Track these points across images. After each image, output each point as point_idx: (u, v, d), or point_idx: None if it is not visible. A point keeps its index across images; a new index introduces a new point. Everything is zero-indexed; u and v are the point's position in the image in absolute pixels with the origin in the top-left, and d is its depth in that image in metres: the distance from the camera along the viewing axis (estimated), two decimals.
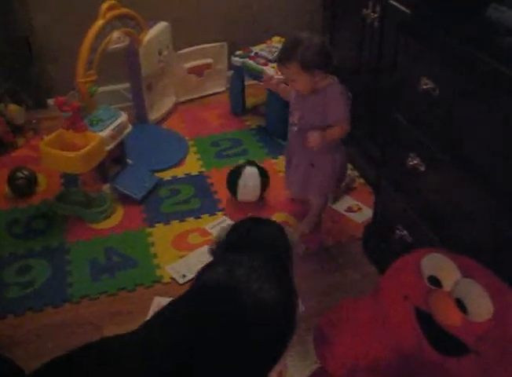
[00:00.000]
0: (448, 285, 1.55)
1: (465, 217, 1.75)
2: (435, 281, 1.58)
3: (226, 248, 1.73)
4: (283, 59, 2.15)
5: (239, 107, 3.38)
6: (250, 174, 2.64)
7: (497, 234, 1.63)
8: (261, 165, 2.74)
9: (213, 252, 1.84)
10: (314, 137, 2.19)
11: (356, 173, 2.89)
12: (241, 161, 2.72)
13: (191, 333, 1.42)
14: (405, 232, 2.06)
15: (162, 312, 1.55)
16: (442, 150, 1.78)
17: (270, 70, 3.00)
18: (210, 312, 1.45)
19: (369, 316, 1.69)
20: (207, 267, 1.65)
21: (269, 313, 1.46)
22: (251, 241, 1.69)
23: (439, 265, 1.58)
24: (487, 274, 1.57)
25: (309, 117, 2.25)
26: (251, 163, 2.68)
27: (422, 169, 1.86)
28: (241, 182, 2.63)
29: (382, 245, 2.29)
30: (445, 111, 1.72)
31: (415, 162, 1.88)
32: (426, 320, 1.58)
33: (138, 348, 1.41)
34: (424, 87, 1.75)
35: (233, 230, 1.79)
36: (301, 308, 2.01)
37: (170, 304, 1.59)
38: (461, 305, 1.52)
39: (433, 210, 1.90)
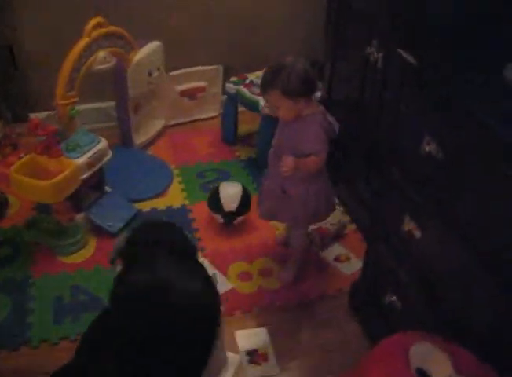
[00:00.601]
0: None
1: (462, 292, 1.58)
2: (423, 373, 1.41)
3: (133, 255, 1.61)
4: (265, 86, 2.05)
5: (230, 136, 3.22)
6: (228, 184, 2.67)
7: (495, 314, 1.46)
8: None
9: (112, 261, 1.71)
10: (288, 162, 2.07)
11: (347, 217, 2.71)
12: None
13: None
14: (395, 297, 1.89)
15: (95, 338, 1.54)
16: (440, 217, 1.61)
17: (264, 101, 2.83)
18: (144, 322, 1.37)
19: None
20: (123, 276, 1.52)
21: (198, 303, 1.43)
22: (155, 243, 1.61)
23: (429, 357, 1.41)
24: (482, 371, 1.39)
25: (285, 142, 2.15)
26: None
27: (418, 236, 1.69)
28: (222, 193, 2.59)
29: (369, 306, 2.11)
30: (447, 175, 1.55)
31: (411, 227, 1.71)
32: None
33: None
34: (426, 148, 1.58)
35: (133, 236, 1.68)
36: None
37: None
38: None
39: (427, 280, 1.73)
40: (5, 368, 2.00)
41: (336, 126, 2.13)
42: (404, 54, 1.87)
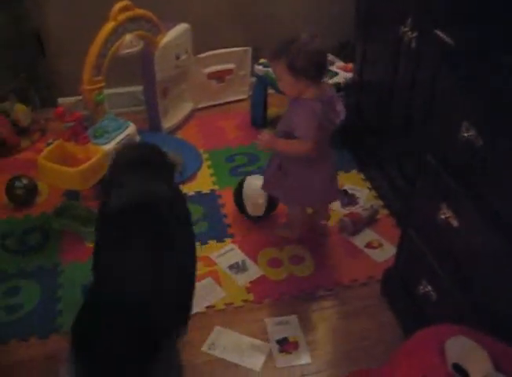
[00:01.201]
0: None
1: (499, 285, 1.52)
2: (460, 369, 1.35)
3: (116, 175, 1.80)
4: (272, 54, 2.03)
5: (259, 119, 3.16)
6: (253, 181, 2.50)
7: None
8: None
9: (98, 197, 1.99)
10: (263, 135, 2.15)
11: (380, 202, 2.65)
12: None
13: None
14: (430, 288, 1.83)
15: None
16: (478, 206, 1.54)
17: None
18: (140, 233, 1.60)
19: None
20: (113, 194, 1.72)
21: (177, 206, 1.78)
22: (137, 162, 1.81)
23: (467, 352, 1.35)
24: None
25: (282, 121, 2.19)
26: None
27: (455, 224, 1.62)
28: (245, 196, 2.49)
29: (402, 295, 2.06)
30: (486, 162, 1.48)
31: (448, 215, 1.64)
32: None
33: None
34: (465, 134, 1.50)
35: (117, 158, 1.86)
36: None
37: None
38: None
39: (464, 272, 1.66)
40: (35, 355, 2.01)
41: (342, 114, 2.12)
42: (441, 34, 1.79)
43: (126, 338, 1.34)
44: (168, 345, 1.42)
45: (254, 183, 2.46)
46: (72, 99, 3.08)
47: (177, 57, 2.95)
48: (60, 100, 3.23)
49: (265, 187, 2.37)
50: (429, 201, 1.77)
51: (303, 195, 2.26)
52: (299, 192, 2.25)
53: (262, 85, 3.06)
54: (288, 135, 2.11)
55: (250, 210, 2.49)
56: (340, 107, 2.12)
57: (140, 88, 3.12)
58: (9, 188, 2.60)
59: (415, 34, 2.17)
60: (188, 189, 2.74)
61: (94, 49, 2.42)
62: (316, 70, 2.00)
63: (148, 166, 1.80)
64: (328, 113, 2.08)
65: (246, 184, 2.50)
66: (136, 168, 1.78)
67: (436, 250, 1.79)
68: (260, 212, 2.49)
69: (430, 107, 1.80)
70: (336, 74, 2.90)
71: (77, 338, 1.39)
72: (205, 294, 2.20)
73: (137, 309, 1.38)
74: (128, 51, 2.61)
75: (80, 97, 2.63)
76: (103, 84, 2.49)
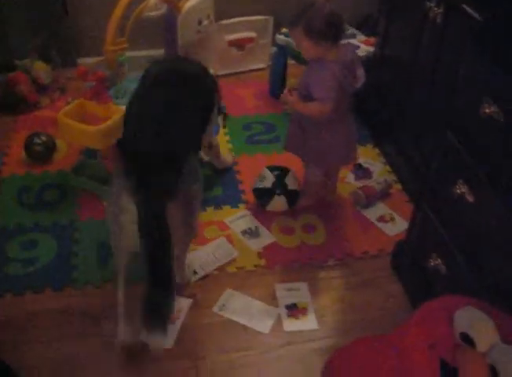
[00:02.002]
0: (482, 346, 1.36)
1: (510, 262, 1.54)
2: (467, 339, 1.39)
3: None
4: (292, 22, 2.10)
5: (277, 89, 3.15)
6: (278, 203, 2.45)
7: None
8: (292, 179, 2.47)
9: None
10: (286, 98, 2.19)
11: (394, 177, 2.67)
12: (267, 175, 2.46)
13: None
14: (440, 261, 1.86)
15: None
16: (494, 182, 1.56)
17: None
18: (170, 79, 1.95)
19: (387, 361, 1.51)
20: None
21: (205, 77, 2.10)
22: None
23: (475, 323, 1.38)
24: None
25: (301, 83, 2.21)
26: (280, 186, 2.42)
27: (471, 200, 1.64)
28: (269, 208, 2.47)
29: (413, 268, 2.09)
30: (507, 139, 1.50)
31: (463, 190, 1.66)
32: (450, 374, 1.41)
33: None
34: (486, 111, 1.52)
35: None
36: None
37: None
38: (494, 372, 1.32)
39: (475, 247, 1.69)
40: (50, 307, 2.06)
41: (362, 79, 2.16)
42: (468, 9, 1.79)
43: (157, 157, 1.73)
44: (187, 165, 1.79)
45: (280, 201, 2.45)
46: (92, 59, 3.08)
47: (200, 22, 2.94)
48: (80, 60, 3.24)
49: (287, 147, 2.41)
50: (445, 176, 1.79)
51: (322, 156, 2.30)
52: (319, 153, 2.29)
53: (283, 55, 3.06)
54: (306, 97, 2.14)
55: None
56: (360, 71, 2.15)
57: (161, 51, 3.12)
58: (28, 145, 2.63)
59: (440, 10, 2.16)
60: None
61: (118, 10, 2.41)
62: (333, 31, 2.04)
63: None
64: (347, 76, 2.11)
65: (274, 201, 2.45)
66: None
67: (449, 224, 1.81)
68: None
69: (452, 84, 1.80)
70: (358, 47, 2.90)
71: (126, 156, 1.77)
72: (217, 254, 2.25)
73: (162, 142, 1.76)
74: (151, 14, 2.61)
75: (100, 58, 2.64)
76: (125, 45, 2.49)
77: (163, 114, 1.80)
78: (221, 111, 2.47)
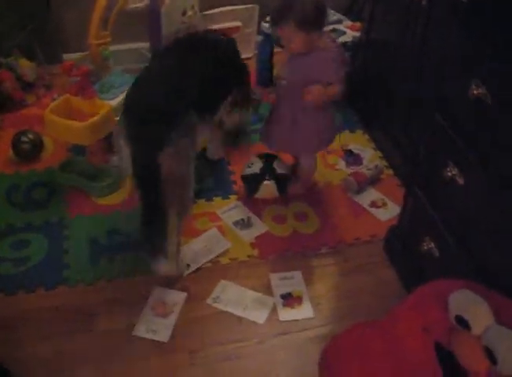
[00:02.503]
0: (477, 329, 1.36)
1: (502, 243, 1.54)
2: (462, 321, 1.38)
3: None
4: (278, 19, 2.04)
5: (265, 78, 3.14)
6: (267, 189, 2.42)
7: None
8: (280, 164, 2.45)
9: None
10: (315, 90, 2.08)
11: (385, 163, 2.66)
12: (256, 161, 2.43)
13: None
14: (433, 245, 1.85)
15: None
16: (484, 164, 1.55)
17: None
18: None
19: (380, 346, 1.52)
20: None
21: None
22: None
23: (469, 305, 1.38)
24: None
25: (297, 74, 2.15)
26: (268, 171, 2.40)
27: (461, 182, 1.63)
28: (258, 194, 2.44)
29: (405, 252, 2.08)
30: (495, 122, 1.49)
31: (454, 173, 1.65)
32: (445, 357, 1.41)
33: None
34: (474, 92, 1.50)
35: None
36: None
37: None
38: (489, 353, 1.32)
39: (467, 229, 1.68)
40: (43, 306, 2.04)
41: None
42: None
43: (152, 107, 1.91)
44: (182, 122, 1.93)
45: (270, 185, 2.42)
46: (77, 55, 3.05)
47: (184, 13, 2.92)
48: (65, 55, 3.20)
49: (278, 147, 2.40)
50: (435, 159, 1.78)
51: (322, 138, 2.32)
52: (318, 137, 2.30)
53: (269, 43, 3.03)
54: (305, 85, 2.11)
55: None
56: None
57: (145, 44, 3.10)
58: (15, 143, 2.60)
59: None
60: None
61: (101, 2, 2.39)
62: (323, 17, 2.04)
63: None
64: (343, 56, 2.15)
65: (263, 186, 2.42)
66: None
67: (440, 207, 1.81)
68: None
69: (440, 67, 1.79)
70: (344, 33, 2.89)
71: (125, 107, 1.99)
72: (210, 245, 2.23)
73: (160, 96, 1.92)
74: (135, 6, 2.58)
75: (84, 53, 2.62)
76: (109, 39, 2.48)
77: (166, 71, 2.00)
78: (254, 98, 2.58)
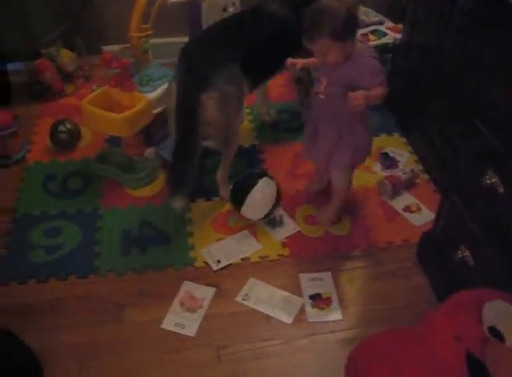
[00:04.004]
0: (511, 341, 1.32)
1: None
2: (496, 333, 1.35)
3: None
4: (311, 33, 1.95)
5: None
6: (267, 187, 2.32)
7: None
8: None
9: None
10: (358, 97, 1.96)
11: (421, 167, 2.62)
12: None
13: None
14: (468, 253, 1.82)
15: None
16: None
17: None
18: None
19: (412, 352, 1.49)
20: None
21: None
22: None
23: (504, 316, 1.35)
24: None
25: (337, 85, 2.05)
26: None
27: (501, 191, 1.60)
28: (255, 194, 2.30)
29: (438, 259, 2.05)
30: None
31: (493, 180, 1.62)
32: (476, 367, 1.38)
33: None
34: None
35: None
36: None
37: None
38: None
39: (505, 238, 1.64)
40: (73, 293, 2.07)
41: None
42: None
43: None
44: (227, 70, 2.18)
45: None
46: (116, 47, 3.08)
47: (225, 9, 2.92)
48: (105, 47, 3.23)
49: (318, 161, 2.31)
50: (474, 166, 1.75)
51: (364, 151, 2.23)
52: (362, 150, 2.21)
53: None
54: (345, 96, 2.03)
55: (246, 211, 2.33)
56: None
57: (184, 39, 3.10)
58: (53, 132, 2.64)
59: None
60: None
61: None
62: (356, 24, 1.99)
63: None
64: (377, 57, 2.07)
65: (259, 188, 2.30)
66: None
67: (478, 215, 1.77)
68: (254, 217, 2.34)
69: (481, 72, 1.75)
70: (385, 34, 2.85)
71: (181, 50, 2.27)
72: (241, 246, 2.23)
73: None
74: (176, 0, 2.59)
75: (124, 45, 2.63)
76: (150, 32, 2.48)
77: (222, 27, 2.29)
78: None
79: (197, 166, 2.20)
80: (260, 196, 2.27)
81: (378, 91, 2.00)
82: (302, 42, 2.06)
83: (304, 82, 2.82)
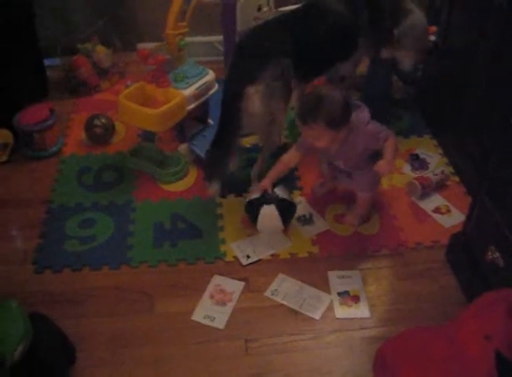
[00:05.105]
0: None
1: None
2: None
3: None
4: (307, 119, 2.03)
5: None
6: (266, 211, 2.26)
7: None
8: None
9: None
10: (384, 168, 2.11)
11: (451, 169, 2.62)
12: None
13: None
14: (498, 255, 1.82)
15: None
16: None
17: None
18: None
19: (441, 351, 1.51)
20: None
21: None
22: None
23: None
24: None
25: (345, 156, 2.21)
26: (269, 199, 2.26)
27: None
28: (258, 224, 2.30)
29: (468, 260, 2.05)
30: None
31: None
32: (505, 367, 1.39)
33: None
34: None
35: None
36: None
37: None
38: None
39: None
40: (107, 284, 2.12)
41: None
42: None
43: None
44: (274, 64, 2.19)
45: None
46: (151, 44, 3.12)
47: (259, 8, 2.94)
48: (139, 45, 3.28)
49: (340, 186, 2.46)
50: (507, 168, 1.75)
51: (373, 182, 2.31)
52: (374, 179, 2.29)
53: None
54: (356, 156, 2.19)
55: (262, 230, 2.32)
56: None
57: (219, 38, 3.14)
58: (88, 126, 2.69)
59: None
60: None
61: None
62: (350, 112, 2.06)
63: None
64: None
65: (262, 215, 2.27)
66: None
67: (509, 216, 1.77)
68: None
69: None
70: None
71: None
72: (271, 243, 2.26)
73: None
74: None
75: (159, 43, 2.67)
76: (186, 29, 2.52)
77: (276, 21, 2.30)
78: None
79: (233, 155, 2.30)
80: (266, 221, 2.27)
81: (390, 147, 2.12)
82: (359, 42, 2.28)
83: None
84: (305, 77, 2.44)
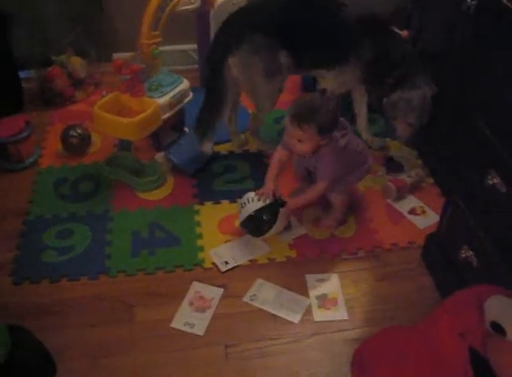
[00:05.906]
0: None
1: None
2: (498, 328, 1.39)
3: None
4: (301, 121, 2.07)
5: (311, 84, 3.16)
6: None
7: None
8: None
9: None
10: (290, 204, 2.27)
11: (426, 171, 2.65)
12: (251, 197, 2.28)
13: None
14: (471, 253, 1.85)
15: None
16: None
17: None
18: None
19: (416, 348, 1.53)
20: None
21: None
22: None
23: (505, 311, 1.38)
24: None
25: (309, 163, 2.32)
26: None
27: (503, 190, 1.64)
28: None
29: (442, 260, 2.08)
30: None
31: (495, 181, 1.66)
32: (479, 363, 1.41)
33: None
34: None
35: None
36: None
37: None
38: None
39: (508, 238, 1.68)
40: (85, 294, 2.11)
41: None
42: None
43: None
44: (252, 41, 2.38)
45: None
46: (126, 54, 3.13)
47: None
48: (115, 55, 3.29)
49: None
50: (476, 167, 1.79)
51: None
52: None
53: None
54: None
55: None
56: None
57: (193, 46, 3.16)
58: (64, 137, 2.69)
59: (474, 1, 2.14)
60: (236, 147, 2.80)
61: (153, 3, 2.45)
62: (337, 123, 2.16)
63: None
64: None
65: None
66: None
67: (481, 215, 1.81)
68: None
69: (486, 76, 1.79)
70: None
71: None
72: (249, 248, 2.27)
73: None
74: (185, 8, 2.64)
75: (134, 53, 2.68)
76: (160, 39, 2.53)
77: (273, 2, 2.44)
78: None
79: (222, 115, 2.51)
80: (280, 223, 2.28)
81: (309, 193, 2.28)
82: (357, 40, 2.37)
83: None
84: (300, 64, 2.49)
